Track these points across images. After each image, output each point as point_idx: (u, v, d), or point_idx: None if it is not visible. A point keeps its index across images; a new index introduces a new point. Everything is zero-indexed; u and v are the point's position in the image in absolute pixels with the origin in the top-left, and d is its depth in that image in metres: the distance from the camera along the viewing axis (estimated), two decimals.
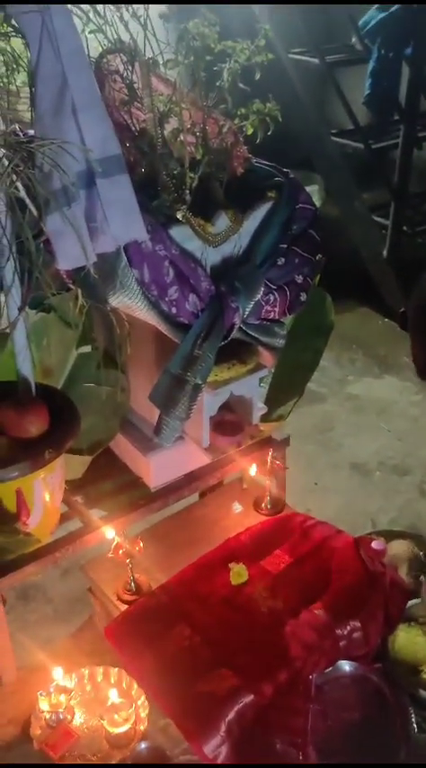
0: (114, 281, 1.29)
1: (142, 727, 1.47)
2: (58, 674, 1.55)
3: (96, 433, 1.59)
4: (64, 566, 2.22)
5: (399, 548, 1.73)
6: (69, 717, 1.50)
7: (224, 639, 1.51)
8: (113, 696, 1.51)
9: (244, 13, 3.86)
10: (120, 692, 1.52)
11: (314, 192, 4.17)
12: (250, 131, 1.46)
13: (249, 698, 1.39)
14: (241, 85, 1.43)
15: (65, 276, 1.33)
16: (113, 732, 1.45)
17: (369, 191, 4.28)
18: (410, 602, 1.61)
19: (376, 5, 4.10)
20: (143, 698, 1.51)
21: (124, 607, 1.62)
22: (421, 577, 1.69)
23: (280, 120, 1.45)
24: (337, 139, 4.22)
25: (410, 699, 1.45)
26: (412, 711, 1.42)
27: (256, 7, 3.94)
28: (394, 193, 3.97)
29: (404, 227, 4.08)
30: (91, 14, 1.34)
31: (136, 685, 1.53)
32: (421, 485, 2.88)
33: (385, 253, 4.06)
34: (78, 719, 1.51)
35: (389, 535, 1.80)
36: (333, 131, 4.29)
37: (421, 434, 3.14)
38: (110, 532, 1.58)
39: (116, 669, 1.56)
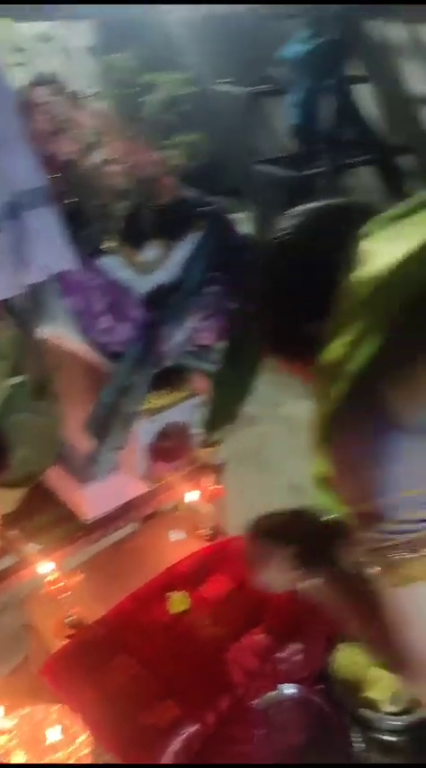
0: (43, 312, 1.28)
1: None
2: None
3: (29, 464, 1.56)
4: None
5: None
6: (8, 759, 1.45)
7: (165, 670, 1.50)
8: (54, 735, 1.47)
9: (171, 46, 3.93)
10: (61, 730, 1.49)
11: (242, 219, 4.24)
12: (177, 162, 1.48)
13: (194, 728, 1.38)
14: (167, 116, 1.45)
15: None
16: None
17: None
18: None
19: (299, 37, 4.23)
20: (85, 735, 1.47)
21: (62, 643, 1.58)
22: None
23: (207, 150, 1.48)
24: (264, 168, 4.31)
25: (352, 719, 1.46)
26: (354, 731, 1.43)
27: (183, 38, 4.02)
28: None
29: None
30: (15, 45, 1.35)
31: (77, 722, 1.49)
32: None
33: None
34: (19, 760, 1.46)
35: None
36: (260, 160, 4.38)
37: None
38: (46, 567, 1.55)
39: (56, 707, 1.52)
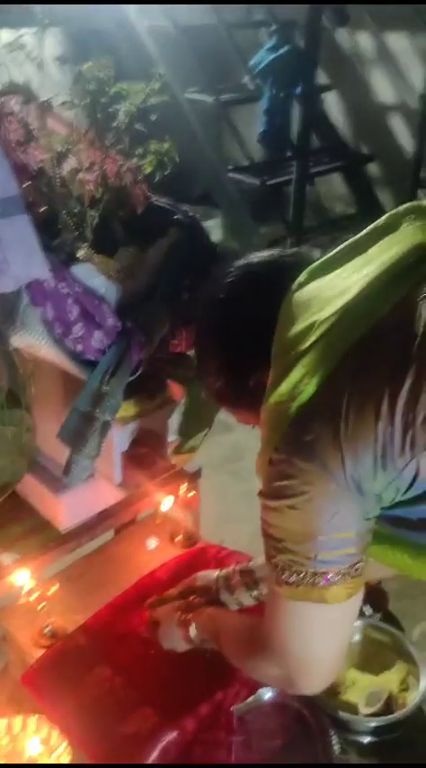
0: (15, 321, 1.28)
1: None
2: None
3: (2, 475, 1.55)
4: None
5: None
6: None
7: (144, 678, 1.49)
8: (33, 746, 1.46)
9: (140, 54, 3.95)
10: (40, 741, 1.47)
11: (213, 227, 4.26)
12: (148, 170, 1.49)
13: (172, 735, 1.38)
14: (137, 126, 1.46)
15: None
16: None
17: (267, 225, 4.42)
18: None
19: (266, 47, 4.27)
20: (64, 745, 1.46)
21: (41, 653, 1.57)
22: None
23: (177, 159, 1.49)
24: (234, 175, 4.34)
25: (330, 721, 1.47)
26: (332, 733, 1.44)
27: (152, 48, 4.04)
28: (290, 227, 4.11)
29: None
30: None
31: (56, 733, 1.48)
32: None
33: None
34: None
35: None
36: (230, 168, 4.41)
37: None
38: (22, 577, 1.54)
39: (35, 717, 1.51)
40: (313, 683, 1.08)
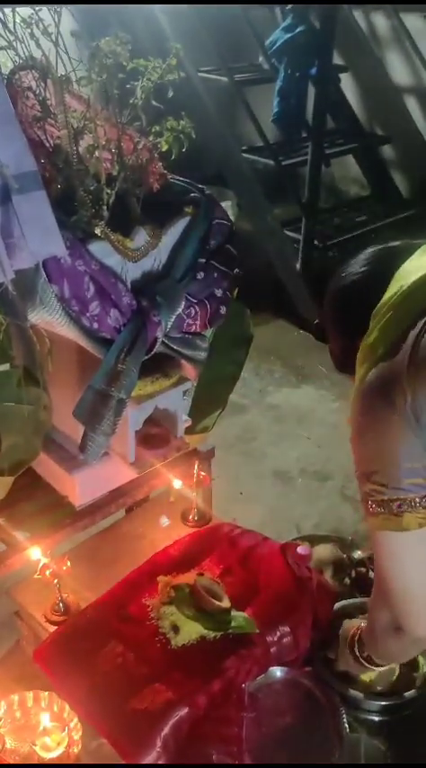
0: (33, 298, 1.28)
1: (76, 750, 1.45)
2: None
3: (18, 452, 1.56)
4: None
5: (324, 551, 1.77)
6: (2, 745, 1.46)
7: (156, 654, 1.51)
8: (45, 720, 1.48)
9: (155, 32, 3.91)
10: (52, 716, 1.49)
11: (227, 207, 4.24)
12: (165, 148, 1.48)
13: (184, 711, 1.39)
14: (154, 103, 1.44)
15: None
16: (46, 757, 1.42)
17: (281, 206, 4.39)
18: (337, 605, 1.65)
19: (281, 26, 4.23)
20: (76, 720, 1.48)
21: (53, 629, 1.59)
22: (346, 580, 1.73)
23: (194, 137, 1.47)
24: (248, 156, 4.31)
25: (341, 699, 1.48)
26: (343, 712, 1.45)
27: (167, 26, 4.00)
28: (305, 209, 4.08)
29: (316, 242, 4.19)
30: (0, 30, 1.34)
31: (68, 708, 1.50)
32: (342, 489, 2.96)
33: (298, 266, 4.16)
34: (9, 747, 1.47)
35: (314, 540, 1.84)
36: (244, 148, 4.38)
37: (340, 441, 3.22)
38: (35, 553, 1.55)
39: (47, 693, 1.53)
40: (419, 621, 1.21)
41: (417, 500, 1.10)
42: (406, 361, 1.07)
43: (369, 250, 1.28)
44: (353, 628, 1.48)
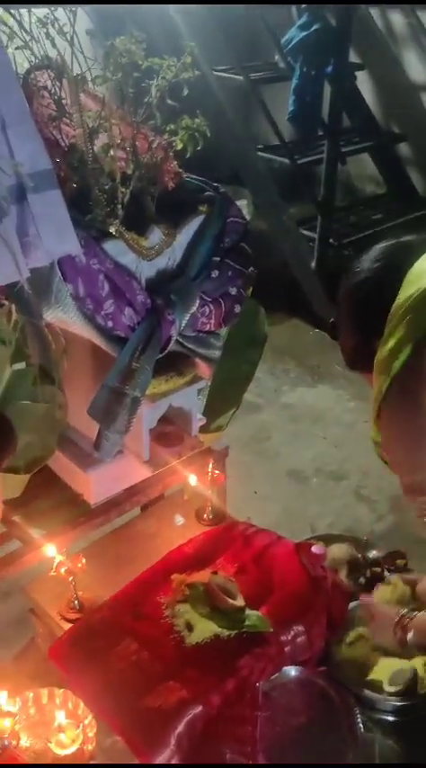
0: (49, 296, 1.28)
1: (90, 747, 1.45)
2: (2, 699, 1.51)
3: (33, 450, 1.57)
4: (4, 588, 2.17)
5: (338, 551, 1.76)
6: (14, 742, 1.46)
7: (170, 653, 1.51)
8: (59, 718, 1.48)
9: (169, 31, 3.91)
10: (67, 713, 1.50)
11: (243, 206, 4.23)
12: (179, 146, 1.48)
13: (198, 709, 1.39)
14: (169, 102, 1.44)
15: None
16: (61, 754, 1.42)
17: (296, 204, 4.38)
18: (351, 605, 1.64)
19: (297, 24, 4.21)
20: (90, 717, 1.49)
21: (68, 626, 1.60)
22: (361, 579, 1.72)
23: (209, 135, 1.47)
24: (263, 154, 4.30)
25: (355, 699, 1.47)
26: (357, 712, 1.45)
27: (181, 25, 4.00)
28: (320, 207, 4.06)
29: (331, 240, 4.17)
30: (16, 30, 1.34)
31: (82, 705, 1.50)
32: (357, 489, 2.94)
33: (313, 265, 4.14)
34: (24, 744, 1.48)
35: (328, 539, 1.83)
36: (259, 147, 4.36)
37: (356, 440, 3.21)
38: (51, 551, 1.56)
39: (61, 690, 1.53)
40: None
41: None
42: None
43: (382, 245, 1.26)
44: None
